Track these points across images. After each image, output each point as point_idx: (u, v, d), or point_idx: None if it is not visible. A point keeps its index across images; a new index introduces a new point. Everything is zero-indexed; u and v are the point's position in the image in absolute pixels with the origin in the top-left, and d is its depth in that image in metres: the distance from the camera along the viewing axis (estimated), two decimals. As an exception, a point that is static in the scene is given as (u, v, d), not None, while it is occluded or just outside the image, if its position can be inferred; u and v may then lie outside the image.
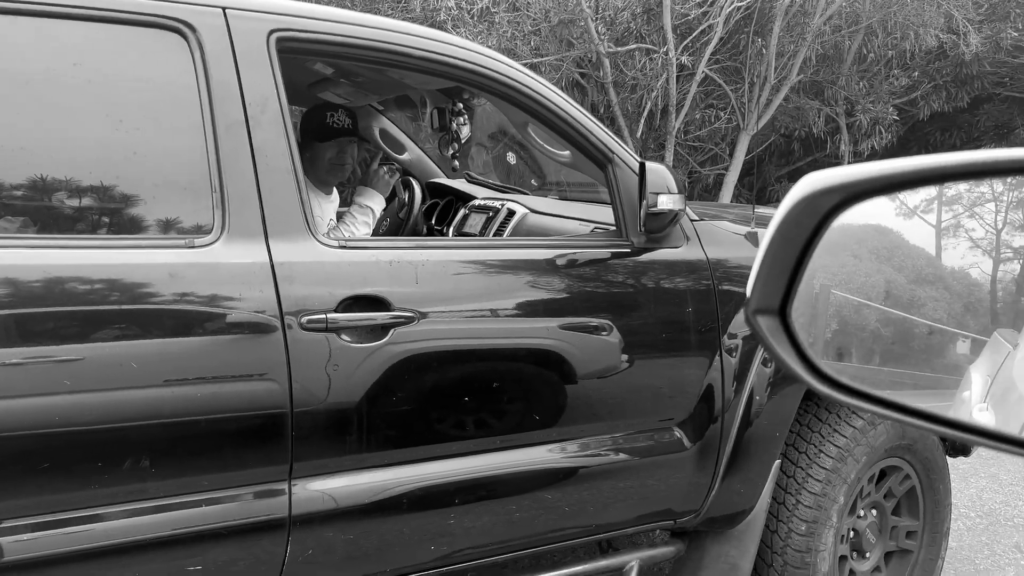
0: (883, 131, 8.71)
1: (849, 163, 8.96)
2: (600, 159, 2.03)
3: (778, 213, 0.60)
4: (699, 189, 9.86)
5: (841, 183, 0.59)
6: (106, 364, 1.46)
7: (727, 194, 9.02)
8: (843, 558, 2.39)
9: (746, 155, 8.91)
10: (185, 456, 1.56)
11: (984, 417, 0.92)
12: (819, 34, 8.14)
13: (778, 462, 2.25)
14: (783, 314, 0.62)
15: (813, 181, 0.59)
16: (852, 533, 2.43)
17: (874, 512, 2.47)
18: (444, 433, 1.83)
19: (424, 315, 1.74)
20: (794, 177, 10.62)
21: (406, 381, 1.75)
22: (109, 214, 1.56)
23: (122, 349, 1.48)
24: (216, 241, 1.58)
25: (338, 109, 2.64)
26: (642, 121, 8.31)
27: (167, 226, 1.58)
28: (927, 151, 11.49)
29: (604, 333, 1.94)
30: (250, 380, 1.59)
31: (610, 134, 2.05)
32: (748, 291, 0.62)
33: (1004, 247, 0.77)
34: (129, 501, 1.52)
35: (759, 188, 10.75)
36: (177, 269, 1.53)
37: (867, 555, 2.46)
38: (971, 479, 3.77)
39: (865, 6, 7.91)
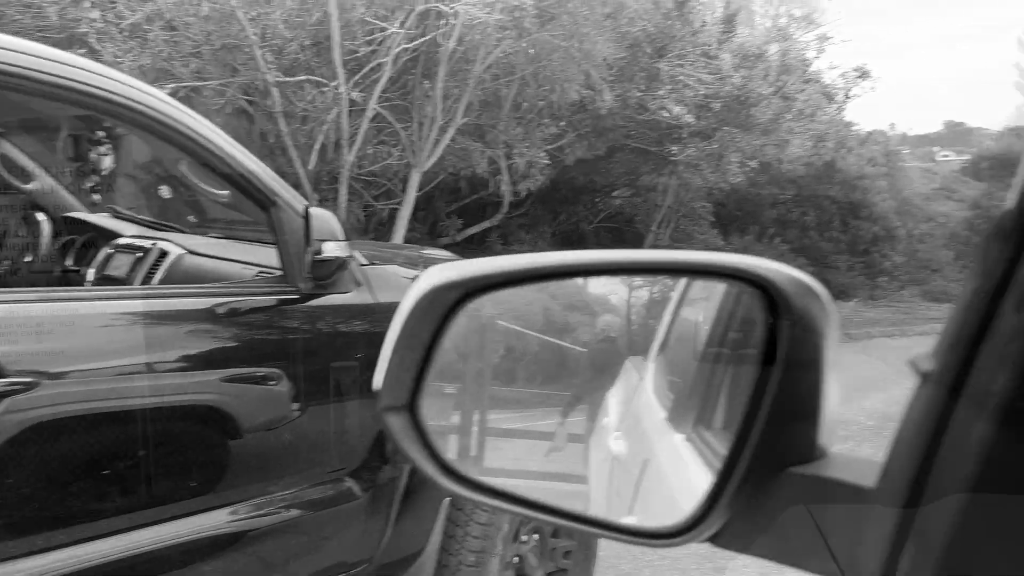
0: (537, 174, 9.55)
1: (510, 202, 9.59)
2: (262, 201, 1.94)
3: (401, 309, 0.59)
4: (375, 223, 9.97)
5: (461, 279, 0.60)
6: None
7: (401, 227, 9.23)
8: (510, 584, 2.51)
9: (418, 191, 9.21)
10: None
11: (618, 446, 0.99)
12: (480, 81, 8.72)
13: (448, 499, 2.30)
14: (413, 410, 0.61)
15: (433, 278, 0.60)
16: (516, 559, 2.56)
17: (535, 536, 2.63)
18: (91, 511, 1.59)
19: (50, 378, 1.50)
20: (463, 213, 11.21)
21: (30, 458, 1.49)
22: None
23: None
24: None
25: None
26: (314, 153, 8.20)
27: None
28: (574, 193, 12.85)
29: (272, 384, 1.85)
30: None
31: (274, 176, 1.96)
32: (376, 387, 0.60)
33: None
34: None
35: (432, 223, 11.16)
36: None
37: (531, 578, 2.61)
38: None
39: (519, 59, 8.64)
